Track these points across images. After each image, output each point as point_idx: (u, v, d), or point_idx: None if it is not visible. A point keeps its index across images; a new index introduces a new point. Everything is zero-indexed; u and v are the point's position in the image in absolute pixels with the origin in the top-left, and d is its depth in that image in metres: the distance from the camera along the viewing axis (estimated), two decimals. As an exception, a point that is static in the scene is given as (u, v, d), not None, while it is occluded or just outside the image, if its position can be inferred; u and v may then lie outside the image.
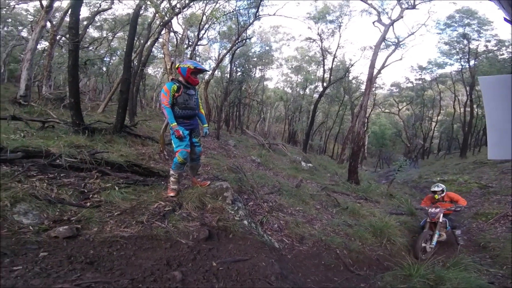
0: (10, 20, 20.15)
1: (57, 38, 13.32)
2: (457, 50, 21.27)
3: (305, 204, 5.57)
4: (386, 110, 33.77)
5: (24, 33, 21.13)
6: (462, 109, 25.14)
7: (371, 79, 11.58)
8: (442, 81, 26.42)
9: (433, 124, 31.04)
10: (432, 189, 5.65)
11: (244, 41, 15.47)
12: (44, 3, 11.05)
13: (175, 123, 3.36)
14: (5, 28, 20.84)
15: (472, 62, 20.67)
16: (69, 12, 7.57)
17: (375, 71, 13.96)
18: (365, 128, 18.88)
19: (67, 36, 6.62)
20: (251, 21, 13.90)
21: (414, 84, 28.03)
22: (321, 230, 4.45)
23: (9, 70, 21.90)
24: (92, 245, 2.25)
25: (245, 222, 3.38)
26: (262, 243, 3.08)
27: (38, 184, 2.86)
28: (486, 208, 7.40)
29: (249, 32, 15.74)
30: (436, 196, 5.46)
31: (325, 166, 14.61)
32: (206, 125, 3.83)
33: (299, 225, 4.32)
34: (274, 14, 14.71)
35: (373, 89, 24.43)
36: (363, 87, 25.84)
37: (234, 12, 13.25)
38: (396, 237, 4.76)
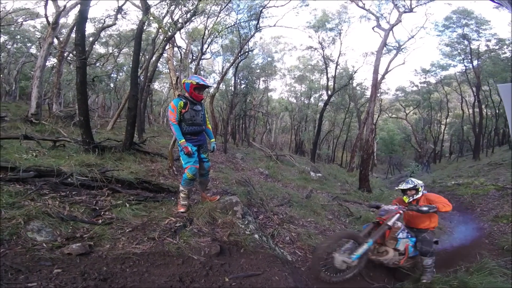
0: (19, 37, 20.70)
1: (65, 54, 13.59)
2: (459, 51, 21.18)
3: (316, 215, 5.47)
4: (393, 116, 33.48)
5: (33, 50, 21.67)
6: (470, 110, 24.75)
7: (375, 85, 11.56)
8: (447, 83, 26.15)
9: (443, 127, 30.56)
10: (399, 187, 3.84)
11: (246, 53, 15.73)
12: (50, 19, 11.32)
13: (183, 140, 3.37)
14: (15, 45, 21.40)
15: (475, 63, 20.52)
16: (74, 28, 7.85)
17: (379, 76, 13.96)
18: (373, 135, 18.72)
19: (74, 52, 6.81)
20: (252, 33, 14.20)
21: (419, 88, 27.83)
22: (335, 241, 4.34)
23: (20, 88, 22.44)
24: (105, 262, 2.25)
25: (256, 236, 3.33)
26: (274, 256, 3.03)
27: (51, 202, 2.90)
28: (506, 210, 7.15)
29: (250, 44, 16.06)
30: (405, 198, 3.68)
31: (334, 175, 14.43)
32: (213, 139, 3.82)
33: (312, 236, 4.23)
34: (274, 25, 15.00)
35: (379, 94, 24.35)
36: (367, 93, 25.78)
37: (235, 25, 13.55)
38: None
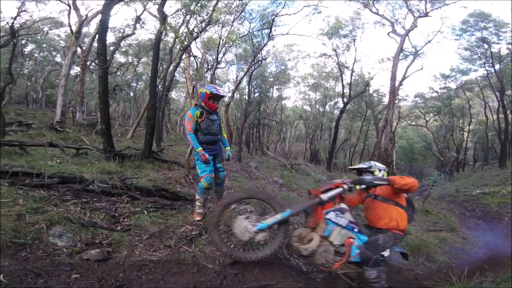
0: (45, 45, 21.50)
1: (88, 63, 14.09)
2: (479, 55, 20.32)
3: (333, 224, 5.33)
4: (413, 123, 32.43)
5: (58, 59, 22.52)
6: (494, 116, 23.58)
7: (393, 92, 11.32)
8: (468, 88, 24.93)
9: (465, 134, 29.24)
10: (352, 167, 3.10)
11: (259, 62, 15.84)
12: (74, 28, 11.84)
13: (201, 148, 3.42)
14: (41, 54, 22.35)
15: (497, 66, 19.56)
16: (96, 38, 8.25)
17: (397, 83, 13.66)
18: (392, 144, 18.14)
19: (96, 61, 7.08)
20: (265, 42, 14.31)
21: (439, 94, 26.85)
22: (352, 251, 4.21)
23: (46, 95, 23.36)
24: (122, 268, 2.28)
25: (271, 246, 3.29)
26: (289, 267, 2.98)
27: (73, 208, 3.00)
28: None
29: (263, 52, 16.13)
30: (358, 186, 2.69)
31: (351, 184, 14.04)
32: (229, 148, 3.85)
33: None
34: (287, 33, 15.05)
35: (397, 101, 23.79)
36: (385, 100, 25.24)
37: (249, 34, 13.74)
38: (436, 255, 4.39)
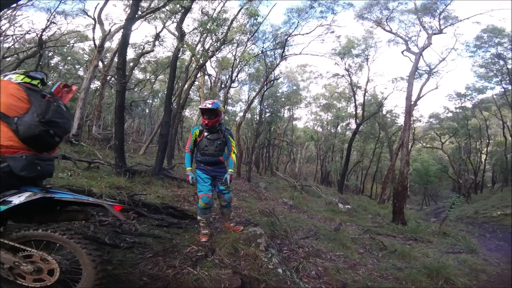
0: (70, 58, 21.90)
1: (108, 78, 14.26)
2: (495, 72, 19.76)
3: (346, 249, 5.09)
4: (428, 145, 31.50)
5: (81, 72, 22.98)
6: (513, 137, 22.51)
7: (409, 112, 10.98)
8: (485, 107, 23.95)
9: (483, 156, 27.99)
10: None
11: (272, 82, 16.02)
12: (97, 42, 12.11)
13: (189, 168, 3.45)
14: (65, 66, 22.87)
15: (514, 83, 18.91)
16: (117, 53, 8.47)
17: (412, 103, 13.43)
18: (408, 167, 17.49)
19: (116, 76, 7.23)
20: (278, 62, 14.54)
21: (455, 113, 26.00)
22: (367, 276, 3.97)
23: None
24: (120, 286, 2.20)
25: (280, 270, 3.13)
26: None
27: (77, 221, 2.93)
28: None
29: (276, 72, 16.34)
30: None
31: (364, 207, 13.62)
32: (231, 170, 3.54)
33: (340, 271, 3.90)
34: (300, 53, 15.31)
35: (411, 122, 23.30)
36: (398, 121, 24.78)
37: (262, 53, 14.02)
38: (456, 277, 4.11)
